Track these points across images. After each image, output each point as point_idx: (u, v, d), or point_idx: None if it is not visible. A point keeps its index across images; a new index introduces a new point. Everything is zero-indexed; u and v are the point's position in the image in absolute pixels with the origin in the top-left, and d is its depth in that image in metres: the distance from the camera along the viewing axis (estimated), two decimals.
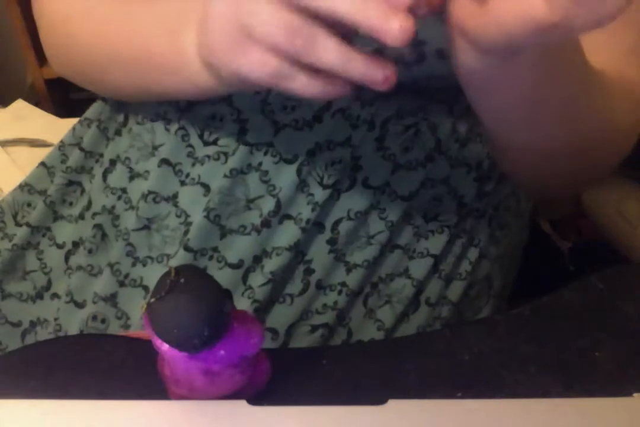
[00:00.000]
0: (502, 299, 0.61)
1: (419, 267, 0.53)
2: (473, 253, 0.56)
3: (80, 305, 0.54)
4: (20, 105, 1.13)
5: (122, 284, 0.53)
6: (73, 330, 0.54)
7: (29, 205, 0.61)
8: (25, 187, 0.61)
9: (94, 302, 0.53)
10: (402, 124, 0.51)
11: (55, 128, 1.04)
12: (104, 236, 0.55)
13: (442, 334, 0.47)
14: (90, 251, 0.55)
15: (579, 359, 0.44)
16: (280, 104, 0.50)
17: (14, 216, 0.61)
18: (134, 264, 0.53)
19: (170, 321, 0.35)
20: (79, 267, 0.55)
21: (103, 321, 0.53)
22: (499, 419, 0.39)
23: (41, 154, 0.63)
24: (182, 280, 0.35)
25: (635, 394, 0.41)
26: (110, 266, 0.53)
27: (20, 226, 0.60)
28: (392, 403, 0.40)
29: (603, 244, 0.87)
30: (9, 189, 0.63)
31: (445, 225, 0.54)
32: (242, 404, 0.39)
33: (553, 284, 0.49)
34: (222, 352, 0.37)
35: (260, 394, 0.40)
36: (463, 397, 0.41)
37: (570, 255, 0.89)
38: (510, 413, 0.39)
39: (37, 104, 1.19)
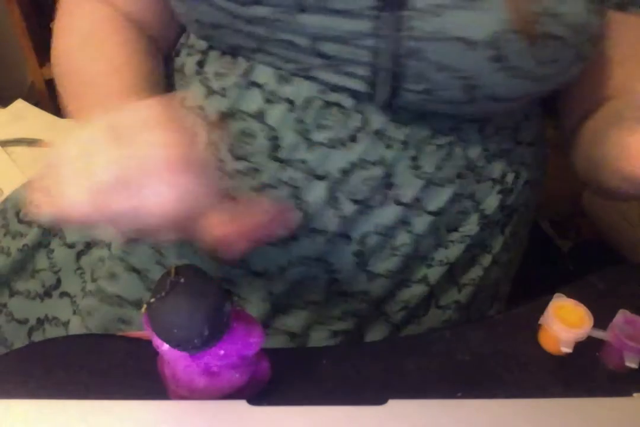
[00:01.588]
0: (502, 300, 0.61)
1: (436, 274, 0.54)
2: (486, 259, 0.56)
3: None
4: (20, 105, 1.13)
5: None
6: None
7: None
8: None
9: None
10: (435, 144, 0.51)
11: (55, 128, 1.04)
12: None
13: (442, 335, 0.47)
14: None
15: (579, 359, 0.44)
16: (315, 123, 0.50)
17: (17, 214, 0.61)
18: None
19: (170, 321, 0.35)
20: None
21: None
22: (499, 419, 0.39)
23: (41, 154, 0.63)
24: (182, 280, 0.35)
25: (635, 394, 0.41)
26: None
27: (23, 223, 0.60)
28: (392, 403, 0.40)
29: (603, 244, 0.87)
30: (9, 188, 0.63)
31: (466, 235, 0.54)
32: (242, 404, 0.39)
33: (553, 284, 0.49)
34: (222, 352, 0.37)
35: (260, 394, 0.40)
36: (463, 397, 0.41)
37: (570, 255, 0.89)
38: (510, 413, 0.39)
39: (37, 104, 1.18)
